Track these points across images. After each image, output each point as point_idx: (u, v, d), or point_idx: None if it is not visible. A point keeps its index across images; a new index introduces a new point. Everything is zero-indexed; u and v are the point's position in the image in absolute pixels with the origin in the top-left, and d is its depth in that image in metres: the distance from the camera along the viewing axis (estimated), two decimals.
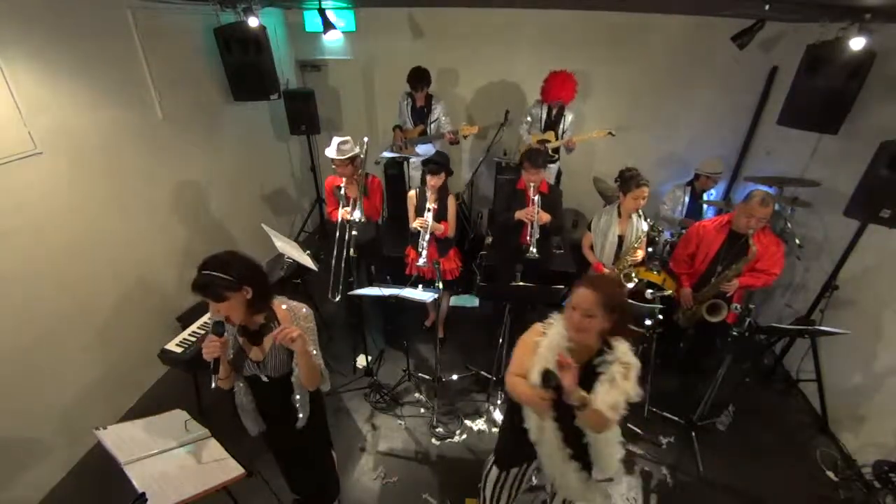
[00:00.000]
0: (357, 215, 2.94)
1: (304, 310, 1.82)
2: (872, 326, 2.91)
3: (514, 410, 1.82)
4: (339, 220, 3.13)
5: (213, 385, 1.69)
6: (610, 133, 3.94)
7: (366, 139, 3.00)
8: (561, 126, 4.10)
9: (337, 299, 3.19)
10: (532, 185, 3.03)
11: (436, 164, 3.04)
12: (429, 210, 3.04)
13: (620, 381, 1.54)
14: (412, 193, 3.22)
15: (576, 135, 4.07)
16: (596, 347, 1.63)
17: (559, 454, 1.71)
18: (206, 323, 2.86)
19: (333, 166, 3.10)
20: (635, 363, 1.59)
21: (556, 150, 4.20)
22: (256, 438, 2.01)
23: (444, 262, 3.19)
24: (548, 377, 1.51)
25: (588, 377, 1.57)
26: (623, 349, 1.60)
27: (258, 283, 1.65)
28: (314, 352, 1.78)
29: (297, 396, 1.85)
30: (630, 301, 2.67)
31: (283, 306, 1.79)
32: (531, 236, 3.04)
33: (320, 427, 2.19)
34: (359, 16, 4.64)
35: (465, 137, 4.24)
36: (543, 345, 1.64)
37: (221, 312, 1.60)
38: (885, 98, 2.94)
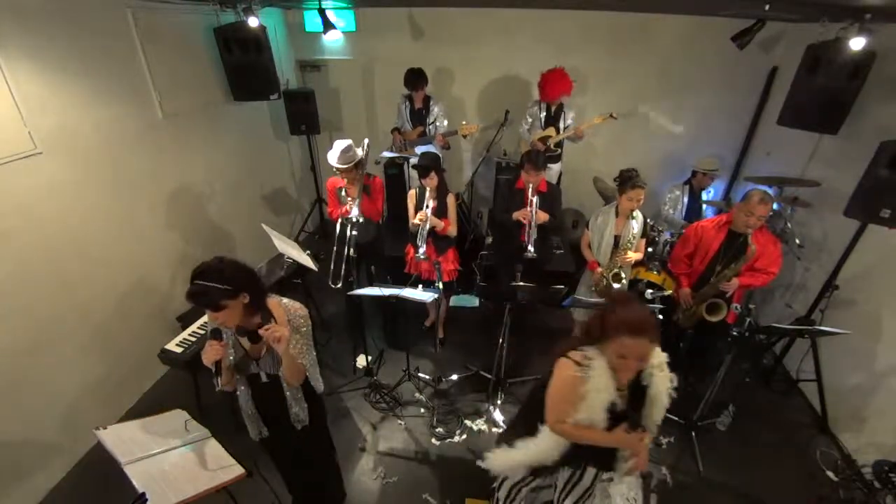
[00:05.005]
0: (355, 212, 2.91)
1: (301, 310, 1.81)
2: (872, 326, 2.90)
3: (534, 419, 1.77)
4: (339, 218, 3.12)
5: (218, 388, 1.70)
6: (612, 116, 3.93)
7: (366, 141, 3.01)
8: (561, 123, 4.10)
9: (339, 285, 3.08)
10: (531, 185, 3.04)
11: (422, 167, 3.04)
12: (427, 206, 3.05)
13: (663, 383, 1.60)
14: (412, 192, 3.24)
15: (578, 124, 4.06)
16: None
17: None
18: (206, 323, 2.84)
19: (337, 171, 3.09)
20: (665, 356, 1.63)
21: (559, 145, 4.18)
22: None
23: (442, 262, 3.19)
24: (633, 421, 1.54)
25: (635, 392, 1.58)
26: (655, 352, 1.61)
27: (253, 286, 1.63)
28: (293, 350, 1.74)
29: (288, 393, 1.85)
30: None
31: (279, 306, 1.78)
32: (529, 236, 3.05)
33: (320, 431, 2.18)
34: (359, 16, 4.63)
35: (465, 137, 4.23)
36: (591, 390, 1.57)
37: (218, 320, 1.58)
38: (885, 98, 2.94)
